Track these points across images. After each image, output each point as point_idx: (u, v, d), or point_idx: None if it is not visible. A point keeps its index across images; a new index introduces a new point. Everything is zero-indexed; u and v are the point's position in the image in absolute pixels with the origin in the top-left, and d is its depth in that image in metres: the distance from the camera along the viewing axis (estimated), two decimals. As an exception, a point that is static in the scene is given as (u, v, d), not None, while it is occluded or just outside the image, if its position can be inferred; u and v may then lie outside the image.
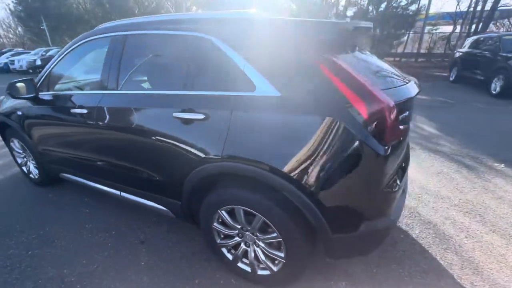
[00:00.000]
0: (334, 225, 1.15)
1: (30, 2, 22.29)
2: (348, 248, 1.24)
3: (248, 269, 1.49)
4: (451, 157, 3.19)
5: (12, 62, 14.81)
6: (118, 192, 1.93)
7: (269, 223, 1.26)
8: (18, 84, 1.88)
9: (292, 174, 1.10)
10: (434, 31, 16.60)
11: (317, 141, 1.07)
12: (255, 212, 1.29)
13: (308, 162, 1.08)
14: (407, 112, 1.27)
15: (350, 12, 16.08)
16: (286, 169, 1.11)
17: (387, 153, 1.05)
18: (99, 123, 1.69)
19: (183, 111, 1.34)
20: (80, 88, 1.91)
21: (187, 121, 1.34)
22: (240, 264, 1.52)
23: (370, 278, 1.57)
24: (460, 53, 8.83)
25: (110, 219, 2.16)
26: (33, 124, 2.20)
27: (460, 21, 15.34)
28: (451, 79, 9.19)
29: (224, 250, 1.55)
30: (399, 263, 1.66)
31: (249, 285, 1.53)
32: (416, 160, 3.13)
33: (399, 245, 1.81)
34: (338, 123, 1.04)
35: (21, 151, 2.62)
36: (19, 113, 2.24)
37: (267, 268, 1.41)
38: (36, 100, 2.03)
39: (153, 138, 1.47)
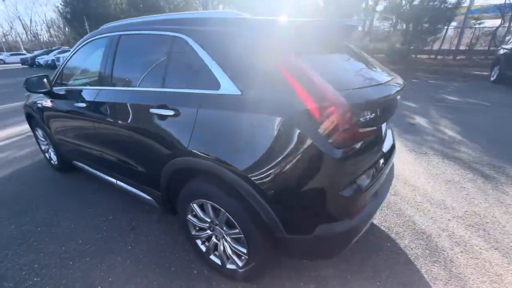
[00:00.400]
0: (288, 226, 1.15)
1: (75, 4, 24.46)
2: (306, 249, 1.23)
3: (219, 262, 1.53)
4: (468, 165, 2.91)
5: (58, 59, 16.47)
6: (114, 181, 2.09)
7: (232, 219, 1.29)
8: (34, 79, 2.12)
9: (246, 172, 1.12)
10: (477, 26, 14.98)
11: (270, 140, 1.07)
12: (219, 208, 1.33)
13: (261, 161, 1.09)
14: (380, 113, 1.21)
15: (380, 7, 15.18)
16: (240, 167, 1.13)
17: (342, 156, 1.02)
18: (95, 116, 1.85)
19: (158, 107, 1.42)
20: (83, 84, 2.09)
21: (161, 117, 1.41)
22: (212, 257, 1.57)
23: (341, 284, 1.52)
24: (505, 50, 7.89)
25: (110, 205, 2.35)
26: (49, 116, 2.46)
27: (510, 14, 13.66)
28: (492, 79, 8.29)
29: (199, 241, 1.62)
30: (378, 272, 1.59)
31: (219, 278, 1.57)
32: (426, 166, 2.91)
33: (382, 253, 1.73)
34: (291, 123, 1.03)
35: (43, 139, 2.94)
36: (39, 105, 2.52)
37: (233, 262, 1.45)
38: (50, 94, 2.28)
39: (137, 131, 1.58)
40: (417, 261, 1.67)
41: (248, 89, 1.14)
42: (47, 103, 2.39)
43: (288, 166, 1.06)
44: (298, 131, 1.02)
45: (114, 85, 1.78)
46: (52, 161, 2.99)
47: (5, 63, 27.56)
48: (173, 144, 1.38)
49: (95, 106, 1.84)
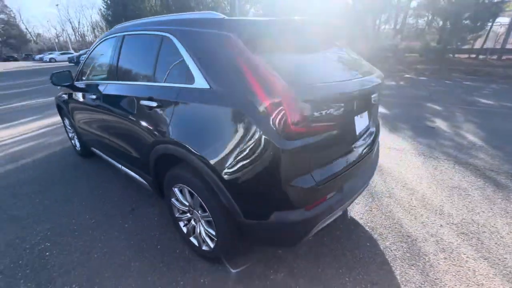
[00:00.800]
0: (246, 211, 1.23)
1: (115, 7, 26.54)
2: (265, 235, 1.30)
3: (196, 243, 1.67)
4: (481, 172, 2.71)
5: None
6: (120, 166, 2.33)
7: (203, 203, 1.41)
8: (59, 74, 2.44)
9: (207, 159, 1.23)
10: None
11: (229, 131, 1.17)
12: (194, 192, 1.45)
13: (221, 150, 1.19)
14: (341, 108, 1.24)
15: (414, 3, 14.23)
16: (204, 154, 1.24)
17: (291, 148, 1.08)
18: (103, 107, 2.10)
19: (147, 99, 1.59)
20: (96, 78, 2.36)
21: (148, 108, 1.58)
22: (191, 238, 1.71)
23: (310, 276, 1.56)
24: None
25: (118, 189, 2.61)
26: (72, 107, 2.80)
27: None
28: (539, 81, 7.39)
29: (181, 224, 1.76)
30: (350, 269, 1.60)
31: (197, 258, 1.71)
32: (432, 170, 2.77)
33: (359, 252, 1.73)
34: (246, 115, 1.11)
35: (69, 128, 3.34)
36: (65, 97, 2.88)
37: (207, 244, 1.57)
38: (72, 87, 2.60)
39: (131, 121, 1.77)
40: (394, 262, 1.64)
41: (215, 84, 1.25)
42: (70, 95, 2.72)
43: (243, 155, 1.14)
44: (253, 122, 1.10)
45: (117, 80, 2.00)
46: (76, 147, 3.38)
47: (56, 61, 30.83)
48: (157, 132, 1.54)
49: (102, 98, 2.09)
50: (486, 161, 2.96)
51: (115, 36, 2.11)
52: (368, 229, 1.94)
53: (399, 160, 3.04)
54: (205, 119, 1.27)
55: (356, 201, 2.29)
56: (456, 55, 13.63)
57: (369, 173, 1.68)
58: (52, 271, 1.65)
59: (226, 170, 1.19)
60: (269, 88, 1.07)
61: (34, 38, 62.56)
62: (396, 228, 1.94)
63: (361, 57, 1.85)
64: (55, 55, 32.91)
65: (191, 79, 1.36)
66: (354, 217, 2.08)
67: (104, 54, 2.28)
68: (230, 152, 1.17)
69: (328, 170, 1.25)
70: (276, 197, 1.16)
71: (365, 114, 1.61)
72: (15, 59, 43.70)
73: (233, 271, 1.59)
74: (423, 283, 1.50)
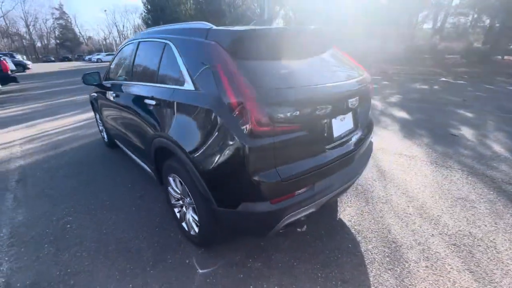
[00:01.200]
0: (218, 199, 1.38)
1: (154, 12, 28.53)
2: (236, 223, 1.43)
3: (186, 228, 1.86)
4: (497, 185, 2.52)
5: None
6: (133, 156, 2.63)
7: (188, 191, 1.59)
8: (89, 75, 2.82)
9: (188, 152, 1.40)
10: None
11: (204, 127, 1.33)
12: (182, 182, 1.64)
13: (198, 144, 1.36)
14: (311, 111, 1.33)
15: (456, 0, 13.07)
16: (186, 148, 1.42)
17: (254, 145, 1.20)
18: (120, 104, 2.40)
19: (149, 98, 1.82)
20: (117, 78, 2.69)
21: (150, 106, 1.81)
22: (183, 223, 1.90)
23: (285, 268, 1.66)
24: None
25: (133, 177, 2.93)
26: (100, 103, 3.21)
27: None
28: None
29: (176, 210, 1.97)
30: (324, 266, 1.66)
31: (186, 242, 1.90)
32: (440, 179, 2.64)
33: (338, 251, 1.77)
34: (217, 114, 1.26)
35: (99, 122, 3.80)
36: (95, 95, 3.31)
37: (193, 229, 1.75)
38: (100, 86, 2.98)
39: (138, 116, 2.04)
40: (371, 265, 1.66)
41: (198, 86, 1.42)
42: (99, 93, 3.13)
43: (214, 150, 1.30)
44: (223, 121, 1.25)
45: (132, 80, 2.28)
46: (104, 139, 3.83)
47: (102, 61, 34.11)
48: (155, 126, 1.77)
49: (120, 96, 2.40)
50: (506, 173, 2.73)
51: (133, 42, 2.41)
52: (353, 232, 1.97)
53: (406, 167, 2.94)
54: (189, 118, 1.45)
55: (348, 203, 2.30)
56: (506, 57, 12.22)
57: (352, 174, 1.72)
58: (69, 240, 1.97)
59: (201, 162, 1.36)
60: (236, 91, 1.21)
61: (86, 41, 69.69)
62: (383, 233, 1.94)
63: (351, 61, 1.89)
64: (102, 55, 36.41)
65: (183, 81, 1.55)
66: (343, 219, 2.11)
67: (124, 58, 2.60)
68: (205, 146, 1.33)
69: (296, 168, 1.34)
70: (242, 188, 1.29)
71: (348, 117, 1.66)
72: (69, 59, 49.17)
73: (200, 271, 1.75)
74: (395, 287, 1.50)
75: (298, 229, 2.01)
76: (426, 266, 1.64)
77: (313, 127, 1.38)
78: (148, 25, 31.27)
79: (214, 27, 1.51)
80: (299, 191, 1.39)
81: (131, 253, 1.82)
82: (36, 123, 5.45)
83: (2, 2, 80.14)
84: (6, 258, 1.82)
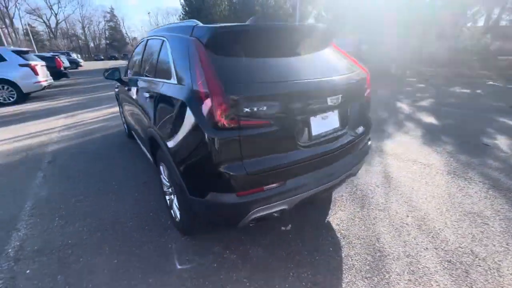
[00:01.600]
0: (189, 188, 1.44)
1: (191, 13, 30.00)
2: (205, 213, 1.48)
3: (173, 214, 1.97)
4: (522, 202, 2.21)
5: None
6: (142, 147, 2.84)
7: (170, 179, 1.69)
8: (110, 71, 3.11)
9: (166, 141, 1.49)
10: None
11: (179, 117, 1.40)
12: (168, 170, 1.75)
13: (173, 133, 1.44)
14: (284, 107, 1.32)
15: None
16: (164, 137, 1.51)
17: (219, 137, 1.23)
18: (129, 96, 2.62)
19: (146, 91, 1.96)
20: (131, 74, 2.92)
21: (146, 98, 1.95)
22: (171, 210, 2.02)
23: (259, 263, 1.67)
24: None
25: (142, 165, 3.16)
26: (121, 97, 3.52)
27: None
28: None
29: (167, 197, 2.09)
30: (299, 266, 1.63)
31: (173, 229, 2.00)
32: (453, 191, 2.40)
33: (317, 253, 1.73)
34: (188, 106, 1.33)
35: (121, 114, 4.15)
36: (117, 90, 3.63)
37: (177, 216, 1.85)
38: (119, 81, 3.26)
39: (139, 108, 2.21)
40: (348, 271, 1.59)
41: (179, 79, 1.50)
42: (119, 87, 3.43)
43: (185, 141, 1.37)
44: (192, 113, 1.31)
45: (139, 75, 2.47)
46: (125, 130, 4.17)
47: (142, 60, 36.79)
48: (149, 118, 1.90)
49: (131, 89, 2.61)
50: (539, 190, 2.37)
51: (143, 40, 2.60)
52: (339, 236, 1.89)
53: (418, 175, 2.71)
54: (169, 110, 1.54)
55: (342, 207, 2.21)
56: None
57: (336, 175, 1.66)
58: (76, 216, 2.21)
59: (176, 152, 1.44)
60: (205, 84, 1.26)
61: (131, 41, 75.70)
62: (370, 240, 1.83)
63: (345, 59, 1.82)
64: (143, 55, 39.24)
65: (170, 75, 1.65)
66: (331, 222, 2.04)
67: (137, 54, 2.82)
68: (179, 137, 1.41)
69: (264, 163, 1.34)
70: (209, 179, 1.34)
71: (332, 116, 1.61)
72: (116, 58, 53.90)
73: (180, 271, 1.83)
74: (367, 296, 1.43)
75: (282, 228, 2.00)
76: (409, 280, 1.52)
77: (284, 123, 1.37)
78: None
79: (200, 24, 1.57)
80: (268, 186, 1.39)
81: (124, 233, 1.98)
82: (76, 113, 6.13)
83: (65, 7, 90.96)
84: (25, 226, 2.11)
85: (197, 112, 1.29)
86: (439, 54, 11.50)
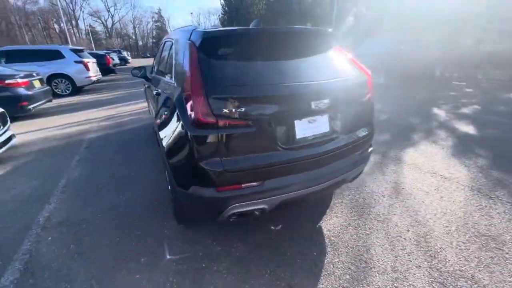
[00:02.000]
0: (177, 180, 1.57)
1: (230, 13, 30.88)
2: (189, 205, 1.59)
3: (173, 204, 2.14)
4: (556, 231, 1.91)
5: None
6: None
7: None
8: (136, 69, 3.44)
9: (160, 134, 1.64)
10: None
11: (170, 112, 1.54)
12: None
13: (165, 129, 1.58)
14: (263, 109, 1.37)
15: None
16: (160, 131, 1.66)
17: (198, 134, 1.33)
18: (150, 93, 2.88)
19: (155, 89, 2.16)
20: (153, 72, 3.19)
21: (155, 94, 2.15)
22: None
23: (241, 258, 1.73)
24: None
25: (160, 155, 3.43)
26: (147, 94, 3.85)
27: None
28: None
29: (169, 187, 2.27)
30: (277, 266, 1.66)
31: (172, 217, 2.17)
32: (470, 209, 2.17)
33: (299, 256, 1.73)
34: (176, 105, 1.45)
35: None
36: (145, 86, 3.98)
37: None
38: (145, 78, 3.58)
39: (153, 103, 2.42)
40: (326, 277, 1.57)
41: (176, 79, 1.63)
42: (146, 84, 3.76)
43: (172, 135, 1.49)
44: (178, 111, 1.43)
45: (156, 74, 2.70)
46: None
47: (182, 58, 39.05)
48: (154, 112, 2.09)
49: (149, 86, 2.87)
50: None
51: (163, 41, 2.83)
52: (327, 242, 1.86)
53: (434, 189, 2.50)
54: (166, 107, 1.69)
55: (338, 213, 2.16)
56: None
57: (322, 179, 1.64)
58: (95, 198, 2.52)
59: (166, 145, 1.58)
60: (189, 84, 1.36)
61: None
62: (359, 251, 1.77)
63: (346, 63, 1.78)
64: (183, 53, 41.60)
65: (171, 75, 1.80)
66: (323, 227, 2.01)
67: (158, 54, 3.07)
68: (168, 132, 1.55)
69: (242, 162, 1.40)
70: (191, 173, 1.45)
71: (321, 120, 1.59)
72: (160, 56, 57.99)
73: (168, 256, 1.95)
74: (339, 305, 1.40)
75: (272, 227, 2.03)
76: (389, 296, 1.45)
77: (264, 125, 1.41)
78: (223, 25, 34.11)
79: (198, 28, 1.69)
80: (247, 184, 1.45)
81: (131, 216, 2.21)
82: (116, 106, 6.83)
83: (120, 9, 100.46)
84: (55, 201, 2.48)
85: (182, 110, 1.41)
86: (498, 55, 10.09)
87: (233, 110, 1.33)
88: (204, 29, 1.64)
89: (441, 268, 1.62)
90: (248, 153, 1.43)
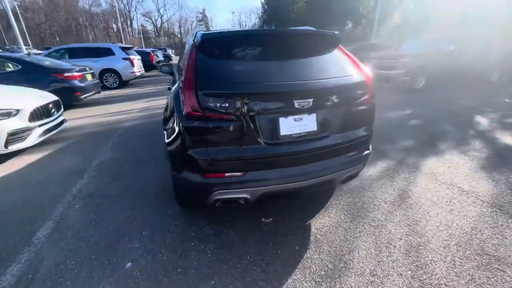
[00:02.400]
0: (173, 165, 1.77)
1: (269, 12, 31.08)
2: (183, 189, 1.78)
3: (177, 188, 2.37)
4: None
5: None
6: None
7: (170, 157, 2.09)
8: (165, 66, 3.79)
9: (163, 124, 1.86)
10: None
11: (171, 106, 1.74)
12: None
13: (166, 119, 1.78)
14: (248, 105, 1.49)
15: None
16: (164, 122, 1.88)
17: (188, 125, 1.49)
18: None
19: (171, 85, 2.41)
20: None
21: (168, 89, 2.40)
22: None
23: (227, 243, 1.88)
24: None
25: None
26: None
27: None
28: None
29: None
30: (259, 254, 1.77)
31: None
32: (482, 227, 1.99)
33: (281, 248, 1.81)
34: (174, 98, 1.64)
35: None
36: (169, 82, 4.35)
37: (176, 190, 2.24)
38: (172, 75, 3.93)
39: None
40: (301, 271, 1.63)
41: (179, 75, 1.83)
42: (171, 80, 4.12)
43: (170, 125, 1.69)
44: (176, 102, 1.62)
45: (176, 70, 2.97)
46: (178, 116, 4.96)
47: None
48: (167, 106, 2.34)
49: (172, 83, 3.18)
50: None
51: (186, 43, 3.09)
52: (312, 239, 1.91)
53: (445, 201, 2.33)
54: (172, 101, 1.90)
55: (331, 214, 2.17)
56: None
57: (308, 177, 1.69)
58: (118, 177, 2.90)
59: (165, 134, 1.79)
60: (184, 80, 1.54)
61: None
62: (342, 251, 1.78)
63: (343, 63, 1.80)
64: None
65: (181, 72, 2.01)
66: (312, 225, 2.05)
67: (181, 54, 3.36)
68: (169, 123, 1.75)
69: (225, 153, 1.54)
70: (183, 159, 1.63)
71: (308, 119, 1.65)
72: (201, 54, 60.94)
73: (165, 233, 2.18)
74: (306, 296, 1.46)
75: (263, 219, 2.13)
76: (359, 297, 1.45)
77: (248, 120, 1.52)
78: (262, 24, 34.44)
79: (202, 31, 1.86)
80: (230, 174, 1.59)
81: (144, 196, 2.51)
82: (152, 99, 7.50)
83: (168, 9, 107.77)
84: (86, 176, 2.92)
85: (177, 104, 1.60)
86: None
87: (219, 105, 1.47)
88: (205, 31, 1.81)
89: (424, 279, 1.56)
90: (231, 145, 1.56)
